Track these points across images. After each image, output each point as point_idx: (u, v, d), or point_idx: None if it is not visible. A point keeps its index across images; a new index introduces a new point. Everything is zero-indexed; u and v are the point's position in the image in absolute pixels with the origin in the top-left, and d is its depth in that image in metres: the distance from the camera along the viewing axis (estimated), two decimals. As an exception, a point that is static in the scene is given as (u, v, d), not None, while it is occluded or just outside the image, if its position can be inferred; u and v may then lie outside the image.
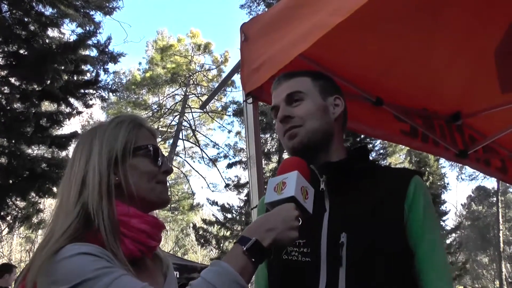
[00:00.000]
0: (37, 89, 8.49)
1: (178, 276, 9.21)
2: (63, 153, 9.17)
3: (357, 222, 1.32)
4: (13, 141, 8.51)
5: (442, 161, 23.81)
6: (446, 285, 1.30)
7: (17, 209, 9.24)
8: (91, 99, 9.51)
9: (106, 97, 10.46)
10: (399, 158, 24.87)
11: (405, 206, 1.32)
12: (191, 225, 24.11)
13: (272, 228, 1.15)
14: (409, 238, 1.31)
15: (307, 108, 1.45)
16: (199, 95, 26.77)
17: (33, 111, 8.53)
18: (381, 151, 19.75)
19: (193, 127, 26.53)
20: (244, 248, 1.12)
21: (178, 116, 25.93)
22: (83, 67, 9.24)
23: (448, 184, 27.89)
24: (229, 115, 25.59)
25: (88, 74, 9.56)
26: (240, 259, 1.11)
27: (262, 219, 1.19)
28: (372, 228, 1.30)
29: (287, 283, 1.38)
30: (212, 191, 35.68)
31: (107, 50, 9.64)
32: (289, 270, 1.37)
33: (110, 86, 10.21)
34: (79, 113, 9.36)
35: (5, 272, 5.85)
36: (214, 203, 20.51)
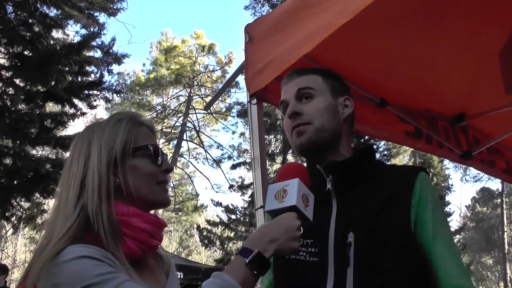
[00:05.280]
0: (41, 90, 8.49)
1: (182, 277, 9.21)
2: (67, 154, 9.17)
3: (365, 222, 1.31)
4: (18, 142, 8.52)
5: (446, 162, 23.73)
6: (468, 280, 1.29)
7: (21, 209, 9.25)
8: (95, 100, 9.51)
9: (110, 98, 10.46)
10: (403, 159, 24.77)
11: (412, 203, 1.31)
12: (195, 226, 24.11)
13: (274, 239, 1.15)
14: (419, 235, 1.30)
15: (317, 106, 1.43)
16: (203, 96, 26.79)
17: (38, 112, 8.54)
18: (385, 152, 19.72)
19: (197, 128, 26.55)
20: (247, 261, 1.11)
21: (182, 117, 25.94)
22: (87, 68, 9.25)
23: (452, 185, 27.78)
24: (233, 116, 25.63)
25: (92, 75, 9.55)
26: (242, 271, 1.10)
27: (264, 229, 1.18)
28: (380, 227, 1.29)
29: (295, 283, 1.38)
30: (216, 192, 35.71)
31: (111, 51, 9.63)
32: (296, 270, 1.37)
33: (114, 87, 10.21)
34: (83, 114, 9.36)
35: None
36: (218, 204, 20.50)
